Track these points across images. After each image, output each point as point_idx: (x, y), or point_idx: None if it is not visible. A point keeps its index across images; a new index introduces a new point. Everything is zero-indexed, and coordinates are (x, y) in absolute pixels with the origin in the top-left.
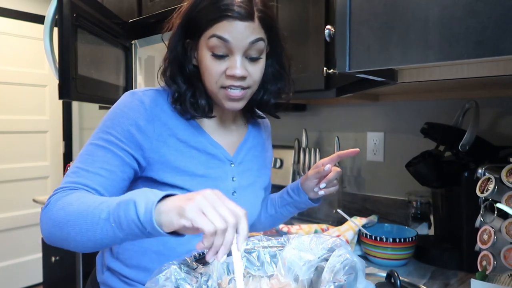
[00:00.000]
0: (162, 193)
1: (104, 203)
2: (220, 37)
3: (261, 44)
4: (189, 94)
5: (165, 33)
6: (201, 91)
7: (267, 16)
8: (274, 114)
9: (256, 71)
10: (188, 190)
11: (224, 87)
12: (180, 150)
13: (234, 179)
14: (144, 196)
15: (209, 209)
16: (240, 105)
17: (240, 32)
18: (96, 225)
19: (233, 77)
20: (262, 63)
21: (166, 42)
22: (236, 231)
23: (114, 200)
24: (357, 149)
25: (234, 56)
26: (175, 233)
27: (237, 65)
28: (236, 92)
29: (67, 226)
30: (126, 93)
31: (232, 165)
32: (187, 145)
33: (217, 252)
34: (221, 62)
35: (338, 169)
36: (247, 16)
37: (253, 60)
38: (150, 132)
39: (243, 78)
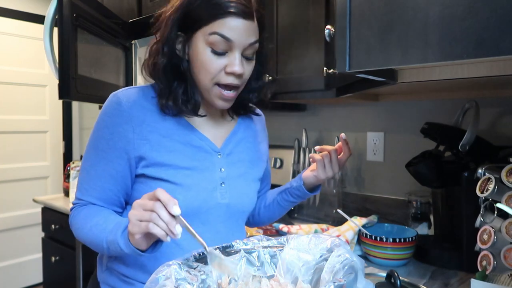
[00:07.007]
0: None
1: (103, 233)
2: (223, 36)
3: (257, 45)
4: (180, 90)
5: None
6: (193, 86)
7: (262, 17)
8: (254, 112)
9: (249, 70)
10: (175, 183)
11: (218, 84)
12: (162, 145)
13: (222, 170)
14: (121, 233)
15: (141, 214)
16: (229, 104)
17: (242, 31)
18: (105, 250)
19: (232, 74)
20: (253, 63)
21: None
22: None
23: (108, 235)
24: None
25: (233, 53)
26: (157, 243)
27: (237, 62)
28: (230, 93)
29: (88, 244)
30: (110, 95)
31: (219, 156)
32: (170, 139)
33: (172, 232)
34: (220, 59)
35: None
36: (249, 15)
37: (248, 59)
38: (129, 133)
39: (240, 75)
